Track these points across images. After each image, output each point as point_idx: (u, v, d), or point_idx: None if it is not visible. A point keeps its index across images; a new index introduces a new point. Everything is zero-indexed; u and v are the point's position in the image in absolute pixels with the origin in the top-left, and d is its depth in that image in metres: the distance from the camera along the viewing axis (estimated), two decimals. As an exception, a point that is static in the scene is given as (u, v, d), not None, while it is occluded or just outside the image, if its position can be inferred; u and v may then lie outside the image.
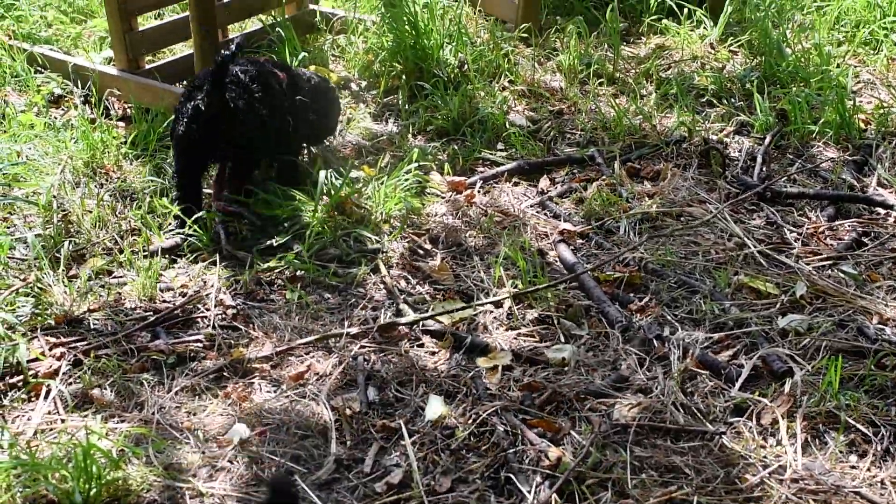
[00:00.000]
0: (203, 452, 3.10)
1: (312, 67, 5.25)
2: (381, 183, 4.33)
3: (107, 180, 4.52)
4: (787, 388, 3.31)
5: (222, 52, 3.93)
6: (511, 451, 3.09)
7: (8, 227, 4.16)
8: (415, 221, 4.28)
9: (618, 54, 5.59)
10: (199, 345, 3.58)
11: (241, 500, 2.94)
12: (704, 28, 5.91)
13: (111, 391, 3.35)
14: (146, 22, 5.60)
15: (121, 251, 4.02)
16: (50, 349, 3.50)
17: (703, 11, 5.95)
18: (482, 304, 3.78)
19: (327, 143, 4.86)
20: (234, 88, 4.07)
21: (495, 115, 5.03)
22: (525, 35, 5.76)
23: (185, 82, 4.97)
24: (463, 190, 4.53)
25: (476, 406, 3.28)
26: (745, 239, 4.15)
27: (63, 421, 3.19)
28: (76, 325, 3.66)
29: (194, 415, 3.26)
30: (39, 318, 3.65)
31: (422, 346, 3.61)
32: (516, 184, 4.65)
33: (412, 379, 3.43)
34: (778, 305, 3.76)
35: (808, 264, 4.02)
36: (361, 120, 5.12)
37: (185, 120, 4.05)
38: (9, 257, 3.91)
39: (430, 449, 3.13)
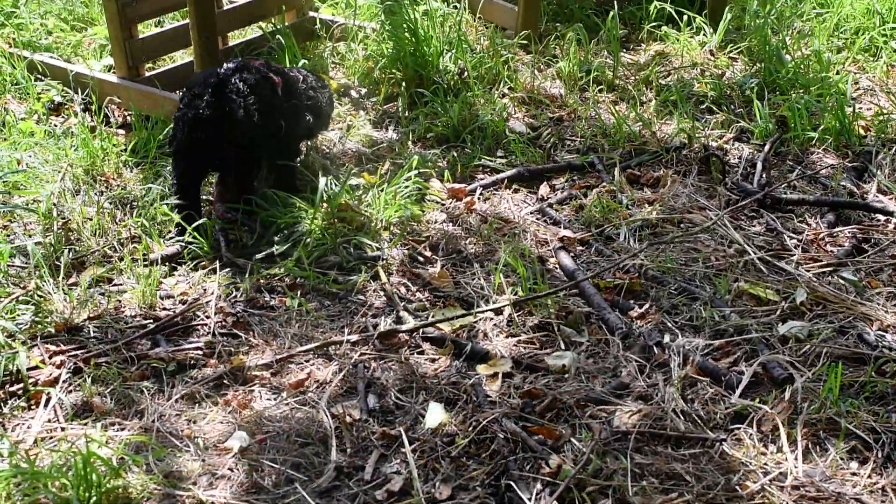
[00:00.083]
0: (203, 460, 3.09)
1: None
2: (381, 190, 4.33)
3: (107, 188, 4.53)
4: (787, 394, 3.31)
5: (225, 65, 4.02)
6: (511, 458, 3.08)
7: (8, 235, 4.16)
8: (415, 228, 4.28)
9: (617, 61, 5.60)
10: (199, 352, 3.58)
11: (241, 508, 2.94)
12: (704, 35, 5.91)
13: (111, 399, 3.34)
14: (146, 29, 5.61)
15: (121, 259, 4.02)
16: (50, 357, 3.50)
17: (702, 18, 5.96)
18: (482, 312, 3.78)
19: (327, 151, 4.86)
20: (232, 94, 4.07)
21: (495, 122, 5.03)
22: (525, 42, 5.76)
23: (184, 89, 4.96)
24: (463, 197, 4.53)
25: (476, 413, 3.28)
26: (746, 246, 4.15)
27: (63, 429, 3.19)
28: (76, 332, 3.66)
29: (194, 422, 3.26)
30: (39, 326, 3.65)
31: (422, 353, 3.61)
32: (516, 191, 4.65)
33: (412, 386, 3.43)
34: (778, 312, 3.76)
35: (808, 271, 4.02)
36: (361, 127, 5.13)
37: (186, 127, 4.07)
38: (9, 265, 3.91)
39: (430, 456, 3.13)
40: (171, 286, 3.92)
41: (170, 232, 4.18)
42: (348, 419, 3.26)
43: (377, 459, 3.12)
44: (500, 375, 3.47)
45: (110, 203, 4.38)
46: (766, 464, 3.08)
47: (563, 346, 3.64)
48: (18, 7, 5.99)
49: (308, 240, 4.08)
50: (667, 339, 3.63)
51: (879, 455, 3.11)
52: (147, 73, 5.19)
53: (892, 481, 3.02)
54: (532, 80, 5.46)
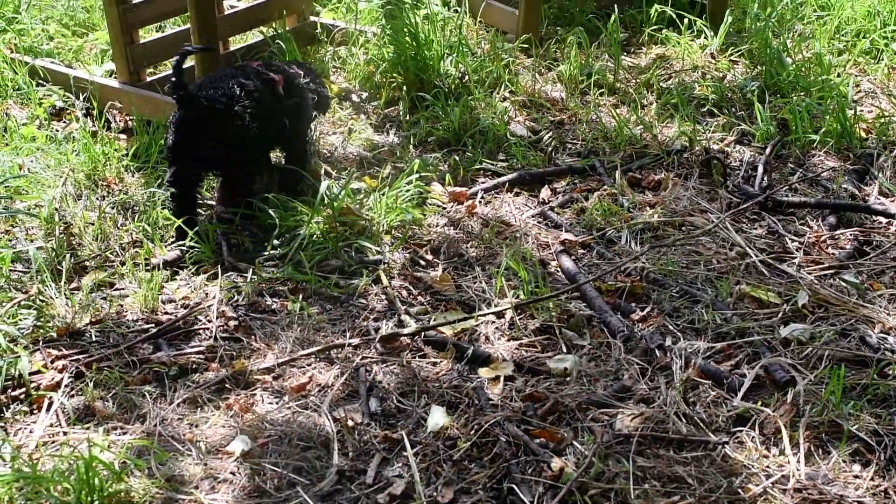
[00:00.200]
0: (205, 464, 3.09)
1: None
2: (383, 194, 4.33)
3: (108, 193, 4.53)
4: (789, 397, 3.30)
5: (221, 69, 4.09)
6: (513, 461, 3.08)
7: (10, 240, 4.17)
8: (416, 232, 4.28)
9: (618, 64, 5.60)
10: (201, 356, 3.59)
11: (243, 512, 2.94)
12: (705, 38, 5.91)
13: (113, 403, 3.35)
14: (147, 35, 5.61)
15: (122, 263, 4.02)
16: (52, 361, 3.50)
17: (703, 21, 5.96)
18: (484, 315, 3.78)
19: (329, 155, 4.87)
20: (217, 93, 4.13)
21: (496, 126, 5.03)
22: (526, 46, 5.76)
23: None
24: (464, 201, 4.53)
25: (478, 417, 3.28)
26: (747, 248, 4.15)
27: (65, 433, 3.19)
28: (78, 337, 3.67)
29: (196, 426, 3.26)
30: (41, 331, 3.65)
31: (424, 356, 3.61)
32: (517, 194, 4.65)
33: (414, 390, 3.43)
34: (780, 315, 3.76)
35: (809, 273, 4.02)
36: (362, 131, 5.13)
37: (172, 127, 4.12)
38: (10, 270, 3.91)
39: (432, 460, 3.13)
40: (172, 290, 3.92)
41: (171, 237, 4.18)
42: (350, 423, 3.26)
43: (379, 463, 3.12)
44: (501, 379, 3.47)
45: (112, 208, 4.39)
46: (768, 467, 3.08)
47: (564, 350, 3.63)
48: (20, 12, 5.99)
49: (306, 242, 4.08)
50: (668, 342, 3.62)
51: (882, 458, 3.11)
52: (148, 78, 5.19)
53: (895, 484, 3.02)
54: (533, 83, 5.46)
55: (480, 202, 4.55)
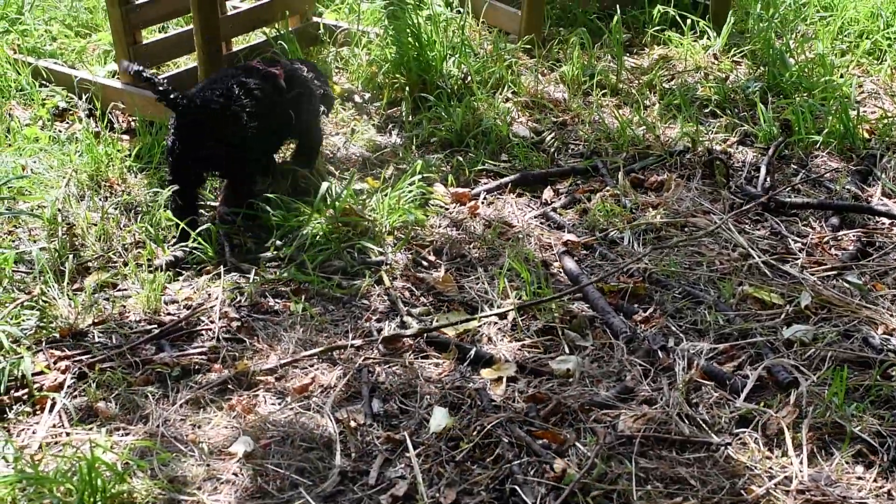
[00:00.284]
0: (207, 465, 3.10)
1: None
2: (385, 195, 4.33)
3: (111, 193, 4.53)
4: (792, 398, 3.30)
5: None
6: (516, 462, 3.08)
7: (13, 241, 4.17)
8: (418, 233, 4.28)
9: (621, 65, 5.60)
10: (204, 357, 3.59)
11: (245, 513, 2.95)
12: (708, 39, 5.91)
13: (116, 404, 3.35)
14: (150, 35, 5.62)
15: (125, 264, 4.02)
16: (55, 362, 3.50)
17: (706, 22, 5.95)
18: (486, 316, 3.78)
19: (331, 155, 4.87)
20: (214, 94, 4.14)
21: (499, 127, 5.03)
22: (528, 46, 5.76)
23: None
24: (466, 201, 4.53)
25: (481, 418, 3.28)
26: (750, 249, 4.15)
27: (68, 434, 3.20)
28: (81, 338, 3.67)
29: (199, 427, 3.26)
30: (44, 332, 3.66)
31: (426, 357, 3.61)
32: (520, 195, 4.65)
33: (416, 391, 3.43)
34: (783, 316, 3.75)
35: (812, 274, 4.01)
36: (365, 132, 5.13)
37: (171, 128, 4.13)
38: (14, 270, 3.91)
39: (434, 461, 3.13)
40: (175, 291, 3.93)
41: (173, 238, 4.18)
42: (353, 424, 3.26)
43: (382, 464, 3.12)
44: (504, 380, 3.47)
45: (115, 208, 4.39)
46: (771, 468, 3.08)
47: (567, 351, 3.63)
48: (23, 13, 6.00)
49: (309, 243, 4.08)
50: (671, 343, 3.62)
51: (885, 459, 3.11)
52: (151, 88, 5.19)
53: (898, 485, 3.02)
54: (535, 84, 5.46)
55: (483, 203, 4.55)
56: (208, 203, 4.45)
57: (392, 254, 4.13)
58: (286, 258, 4.08)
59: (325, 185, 4.26)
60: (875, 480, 3.04)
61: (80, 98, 5.17)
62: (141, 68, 4.08)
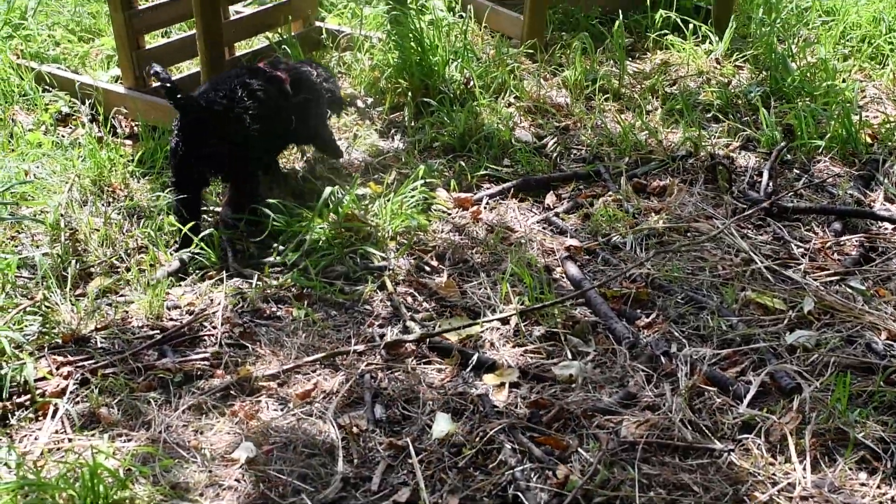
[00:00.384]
0: (210, 471, 3.09)
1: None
2: (388, 200, 4.33)
3: (114, 198, 4.54)
4: (795, 404, 3.30)
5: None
6: (518, 468, 3.08)
7: (16, 246, 4.17)
8: (421, 238, 4.28)
9: (623, 70, 5.60)
10: (206, 363, 3.58)
11: (248, 520, 2.94)
12: (710, 43, 5.91)
13: (118, 410, 3.35)
14: (153, 40, 5.63)
15: (128, 269, 4.02)
16: (57, 368, 3.50)
17: (708, 27, 5.96)
18: (489, 321, 3.78)
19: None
20: (217, 94, 4.17)
21: (501, 132, 5.03)
22: (530, 51, 5.77)
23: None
24: (469, 206, 4.53)
25: (483, 423, 3.27)
26: (752, 254, 4.14)
27: (70, 440, 3.20)
28: (83, 343, 3.67)
29: (201, 433, 3.26)
30: (47, 337, 3.66)
31: (428, 363, 3.61)
32: (522, 200, 4.65)
33: (419, 396, 3.43)
34: (785, 321, 3.75)
35: (815, 280, 4.01)
36: (367, 137, 5.13)
37: (174, 130, 4.15)
38: (16, 276, 3.91)
39: (437, 467, 3.12)
40: (177, 297, 3.93)
41: (175, 242, 4.18)
42: (355, 430, 3.26)
43: (384, 470, 3.12)
44: (506, 385, 3.47)
45: (117, 214, 4.39)
46: (774, 474, 3.07)
47: (569, 356, 3.63)
48: (27, 18, 6.01)
49: (312, 248, 4.08)
50: (674, 348, 3.62)
51: (888, 465, 3.11)
52: (154, 84, 5.20)
53: (901, 491, 3.02)
54: (538, 89, 5.46)
55: (485, 208, 4.55)
56: (213, 209, 4.45)
57: (394, 259, 4.13)
58: (289, 263, 4.08)
59: (327, 189, 4.26)
60: (878, 487, 3.04)
61: (83, 103, 5.18)
62: (160, 70, 4.09)
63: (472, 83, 5.37)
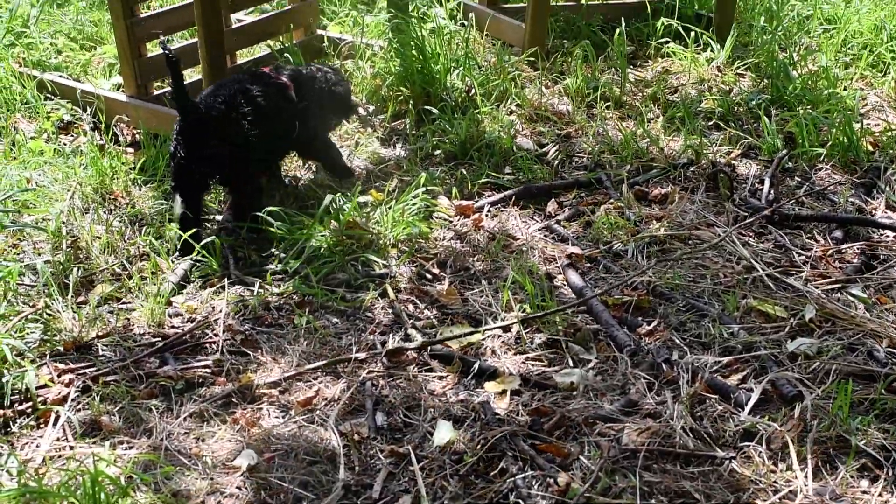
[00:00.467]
0: (211, 479, 3.09)
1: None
2: (389, 207, 4.34)
3: (116, 206, 4.54)
4: (797, 412, 3.29)
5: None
6: (520, 476, 3.07)
7: (17, 254, 4.18)
8: (422, 246, 4.29)
9: (625, 78, 5.61)
10: (208, 370, 3.59)
11: (249, 527, 2.94)
12: (711, 51, 5.92)
13: (119, 417, 3.35)
14: (155, 48, 5.64)
15: (129, 277, 4.03)
16: (59, 375, 3.51)
17: (709, 35, 5.96)
18: (490, 329, 3.78)
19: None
20: (216, 98, 4.20)
21: (502, 139, 5.04)
22: (532, 59, 5.78)
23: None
24: (470, 214, 4.54)
25: (485, 431, 3.27)
26: (754, 262, 4.14)
27: (71, 448, 3.19)
28: (85, 351, 3.67)
29: (202, 441, 3.26)
30: (48, 345, 3.66)
31: (430, 370, 3.61)
32: (524, 207, 4.65)
33: (420, 404, 3.43)
34: (787, 329, 3.75)
35: (816, 287, 4.01)
36: (369, 144, 5.14)
37: (173, 133, 4.17)
38: (18, 283, 3.92)
39: (438, 474, 3.12)
40: (179, 304, 3.93)
41: (175, 247, 4.19)
42: (356, 437, 3.26)
43: (385, 478, 3.11)
44: (508, 393, 3.47)
45: (119, 221, 4.40)
46: (775, 482, 3.07)
47: (571, 364, 3.63)
48: (29, 26, 6.03)
49: (313, 255, 4.09)
50: (675, 356, 3.62)
51: (890, 473, 3.10)
52: (156, 92, 5.22)
53: (903, 499, 3.01)
54: (539, 96, 5.47)
55: (487, 215, 4.56)
56: (214, 217, 4.46)
57: (396, 266, 4.13)
58: (290, 271, 4.08)
59: (328, 197, 4.26)
60: (880, 495, 3.03)
61: (85, 111, 5.19)
62: (169, 52, 4.11)
63: (473, 91, 5.38)
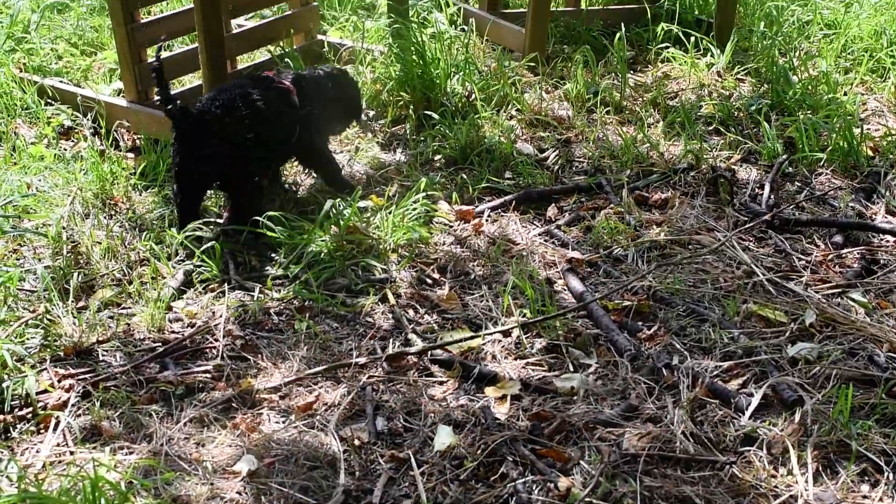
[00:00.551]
0: (211, 484, 3.09)
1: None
2: (389, 212, 4.34)
3: (116, 211, 4.55)
4: (797, 417, 3.29)
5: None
6: (520, 481, 3.07)
7: (18, 259, 4.18)
8: (423, 251, 4.29)
9: (625, 83, 5.61)
10: (208, 376, 3.58)
11: (249, 532, 2.94)
12: (711, 56, 5.93)
13: (120, 423, 3.34)
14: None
15: (130, 282, 4.03)
16: (59, 381, 3.50)
17: (709, 40, 5.97)
18: (490, 334, 3.78)
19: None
20: (214, 102, 4.22)
21: (503, 144, 5.04)
22: (532, 64, 5.78)
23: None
24: (471, 219, 4.54)
25: (485, 436, 3.27)
26: (754, 267, 4.14)
27: (71, 453, 3.19)
28: (85, 356, 3.67)
29: (203, 446, 3.25)
30: (48, 350, 3.66)
31: (430, 375, 3.61)
32: (524, 212, 4.65)
33: (421, 409, 3.43)
34: (787, 334, 3.75)
35: (817, 292, 4.01)
36: (369, 149, 5.14)
37: (173, 132, 4.20)
38: (18, 289, 3.92)
39: (439, 479, 3.12)
40: (180, 309, 3.93)
41: (177, 253, 4.18)
42: (357, 442, 3.26)
43: (386, 483, 3.11)
44: (508, 398, 3.47)
45: (120, 226, 4.40)
46: (776, 486, 3.07)
47: (571, 368, 3.63)
48: (29, 32, 6.03)
49: (314, 260, 4.09)
50: (675, 360, 3.62)
51: (891, 477, 3.10)
52: (156, 97, 5.21)
53: (904, 504, 3.01)
54: (539, 101, 5.47)
55: (487, 220, 4.56)
56: (214, 221, 4.46)
57: (396, 271, 4.13)
58: (291, 276, 4.08)
59: (329, 202, 4.26)
60: (881, 499, 3.03)
61: (86, 116, 5.19)
62: (158, 61, 4.16)
63: (473, 96, 5.38)
